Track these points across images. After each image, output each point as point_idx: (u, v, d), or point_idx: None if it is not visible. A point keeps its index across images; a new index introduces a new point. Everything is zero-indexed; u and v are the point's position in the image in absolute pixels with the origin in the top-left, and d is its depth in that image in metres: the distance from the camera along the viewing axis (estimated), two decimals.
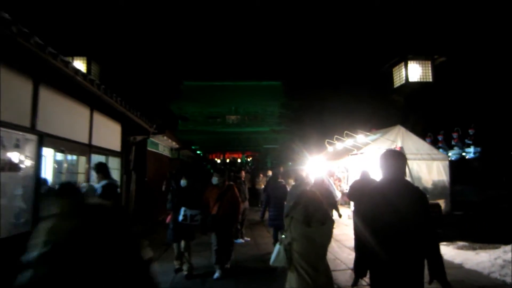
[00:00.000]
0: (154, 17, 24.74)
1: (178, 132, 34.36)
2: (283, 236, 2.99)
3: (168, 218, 5.51)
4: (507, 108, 16.29)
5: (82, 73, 4.84)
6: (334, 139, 9.99)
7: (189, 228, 5.19)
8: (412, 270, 2.36)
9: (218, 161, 39.53)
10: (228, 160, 40.40)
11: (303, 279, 2.75)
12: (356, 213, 2.96)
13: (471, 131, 19.50)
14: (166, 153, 12.40)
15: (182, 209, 5.03)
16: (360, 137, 8.46)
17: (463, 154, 20.37)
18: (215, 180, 5.21)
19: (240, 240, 7.63)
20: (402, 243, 2.36)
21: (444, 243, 6.81)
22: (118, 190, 3.99)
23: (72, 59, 12.63)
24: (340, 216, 7.76)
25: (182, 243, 5.32)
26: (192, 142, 32.41)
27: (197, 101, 40.51)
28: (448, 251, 6.14)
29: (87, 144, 5.64)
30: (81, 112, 5.53)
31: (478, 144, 20.10)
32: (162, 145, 11.51)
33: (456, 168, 11.47)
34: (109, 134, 6.67)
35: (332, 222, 2.95)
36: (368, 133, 8.56)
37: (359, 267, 2.72)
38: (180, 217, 5.06)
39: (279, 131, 30.54)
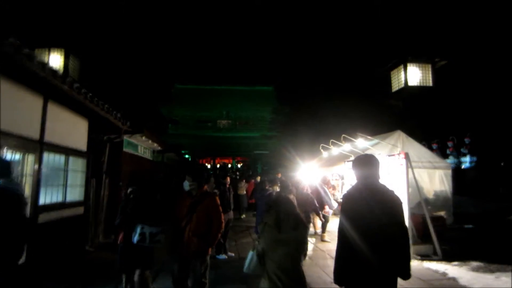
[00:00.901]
0: (147, 20, 23.94)
1: (168, 136, 33.70)
2: (256, 242, 2.96)
3: (121, 237, 4.05)
4: (505, 116, 15.73)
5: (28, 54, 3.90)
6: (330, 144, 9.14)
7: (147, 252, 3.89)
8: (391, 275, 2.43)
9: (208, 166, 38.74)
10: (218, 165, 39.71)
11: (276, 285, 2.70)
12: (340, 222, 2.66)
13: (467, 140, 18.96)
14: (147, 155, 11.42)
15: (138, 227, 3.72)
16: (360, 141, 7.62)
17: (459, 163, 19.82)
18: (186, 184, 3.85)
19: (223, 256, 6.67)
20: (381, 248, 2.38)
21: (456, 263, 5.96)
22: (18, 196, 2.78)
23: (49, 51, 11.67)
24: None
25: (136, 274, 3.98)
26: (182, 146, 31.91)
27: (188, 105, 40.01)
28: (463, 274, 5.29)
29: (37, 140, 4.67)
30: (29, 101, 4.56)
31: (474, 153, 19.54)
32: (143, 146, 10.54)
33: (453, 178, 10.78)
34: (70, 130, 5.70)
35: (305, 227, 2.92)
36: (369, 137, 7.73)
37: (340, 275, 2.56)
38: (136, 237, 3.73)
39: (270, 137, 30.10)
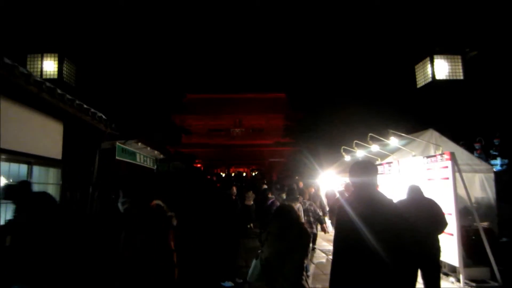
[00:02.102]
0: (156, 30, 23.39)
1: (182, 145, 33.16)
2: (259, 251, 3.00)
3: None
4: None
5: None
6: (354, 146, 7.93)
7: None
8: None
9: (223, 175, 38.03)
10: (233, 174, 39.05)
11: None
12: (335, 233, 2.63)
13: (496, 141, 17.39)
14: (149, 164, 10.44)
15: None
16: (393, 140, 6.39)
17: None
18: (120, 204, 2.87)
19: (229, 284, 5.51)
20: (376, 263, 2.24)
21: None
22: None
23: (42, 57, 10.94)
24: (325, 232, 6.97)
25: None
26: (196, 156, 31.61)
27: (200, 114, 39.50)
28: None
29: None
30: None
31: (505, 155, 17.91)
32: (142, 155, 9.56)
33: (496, 182, 9.43)
34: (37, 134, 4.70)
35: (308, 236, 2.96)
36: (403, 134, 6.49)
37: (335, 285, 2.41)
38: None
39: (284, 144, 29.36)
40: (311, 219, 6.70)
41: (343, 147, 8.90)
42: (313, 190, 9.08)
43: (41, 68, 10.83)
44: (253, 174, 38.63)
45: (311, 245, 3.07)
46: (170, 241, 2.89)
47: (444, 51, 11.44)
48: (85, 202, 6.23)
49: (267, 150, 37.12)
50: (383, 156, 7.82)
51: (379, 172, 7.97)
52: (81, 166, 5.97)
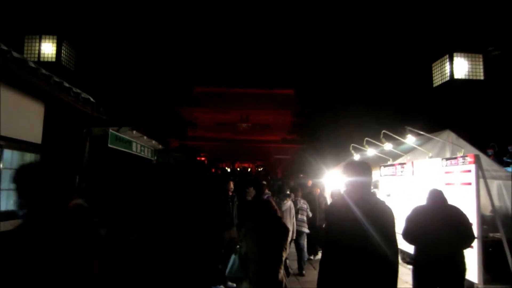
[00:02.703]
0: (165, 21, 22.90)
1: (188, 138, 32.91)
2: (238, 246, 3.05)
3: None
4: None
5: None
6: (364, 144, 7.35)
7: None
8: None
9: (228, 170, 37.72)
10: (238, 169, 38.79)
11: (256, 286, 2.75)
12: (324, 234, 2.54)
13: (511, 148, 16.62)
14: (147, 155, 9.98)
15: None
16: (410, 139, 5.81)
17: None
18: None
19: None
20: (367, 264, 2.23)
21: None
22: None
23: (40, 38, 10.52)
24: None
25: None
26: (201, 149, 31.53)
27: (208, 107, 39.13)
28: None
29: None
30: None
31: None
32: (140, 144, 9.10)
33: None
34: (10, 114, 4.18)
35: (285, 230, 2.99)
36: (422, 133, 5.91)
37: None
38: None
39: (291, 141, 28.97)
40: (305, 218, 6.59)
41: (352, 144, 8.33)
42: (318, 190, 8.52)
43: (39, 50, 10.45)
44: (258, 170, 38.31)
45: (289, 238, 3.19)
46: (93, 262, 1.90)
47: (465, 49, 10.76)
48: (70, 193, 5.75)
49: (273, 146, 36.71)
50: (395, 156, 7.24)
51: (389, 173, 7.42)
52: (66, 152, 5.50)
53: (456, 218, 3.32)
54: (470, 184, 4.61)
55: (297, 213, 6.54)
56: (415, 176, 6.09)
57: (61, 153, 5.26)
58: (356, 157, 8.22)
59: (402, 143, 7.16)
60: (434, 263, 3.09)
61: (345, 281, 2.23)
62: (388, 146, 6.64)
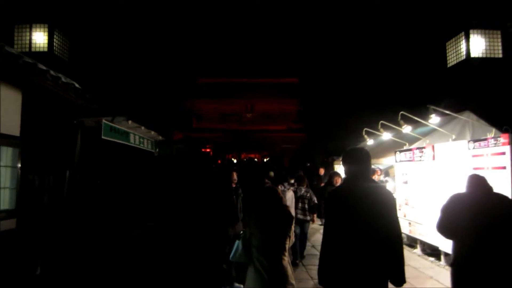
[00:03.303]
0: (169, 14, 22.25)
1: (193, 130, 32.65)
2: (242, 232, 3.09)
3: None
4: None
5: None
6: (380, 127, 6.77)
7: None
8: (381, 279, 2.23)
9: (235, 161, 37.43)
10: (245, 160, 38.62)
11: (259, 273, 2.77)
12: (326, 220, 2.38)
13: None
14: (147, 147, 9.51)
15: None
16: (434, 119, 5.24)
17: None
18: None
19: None
20: (371, 249, 2.20)
21: None
22: None
23: (30, 28, 10.03)
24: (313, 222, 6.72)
25: None
26: (207, 140, 31.35)
27: (212, 98, 38.84)
28: None
29: None
30: None
31: None
32: (137, 135, 8.61)
33: None
34: None
35: (290, 218, 3.02)
36: (447, 112, 5.33)
37: (324, 276, 2.32)
38: None
39: (297, 130, 28.58)
40: (306, 206, 6.41)
41: (365, 129, 7.74)
42: (339, 180, 7.83)
43: (30, 40, 9.96)
44: (265, 160, 37.99)
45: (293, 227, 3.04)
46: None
47: (482, 26, 10.02)
48: (60, 188, 5.32)
49: (279, 136, 36.29)
50: (411, 140, 6.68)
51: (406, 158, 6.87)
52: (53, 145, 5.03)
53: (507, 210, 2.71)
54: (504, 168, 4.06)
55: (297, 201, 6.25)
56: (436, 161, 5.54)
57: (47, 147, 4.79)
58: (370, 141, 7.66)
59: (419, 126, 6.60)
60: (478, 263, 2.56)
61: (348, 266, 2.18)
62: (407, 129, 6.06)
